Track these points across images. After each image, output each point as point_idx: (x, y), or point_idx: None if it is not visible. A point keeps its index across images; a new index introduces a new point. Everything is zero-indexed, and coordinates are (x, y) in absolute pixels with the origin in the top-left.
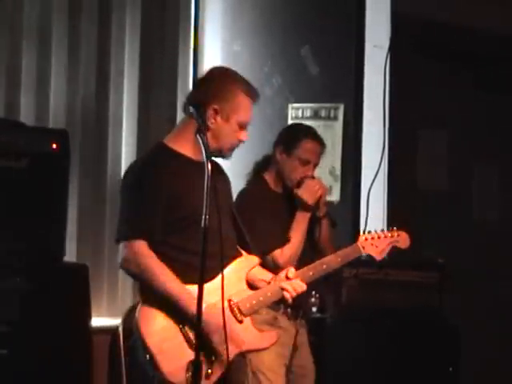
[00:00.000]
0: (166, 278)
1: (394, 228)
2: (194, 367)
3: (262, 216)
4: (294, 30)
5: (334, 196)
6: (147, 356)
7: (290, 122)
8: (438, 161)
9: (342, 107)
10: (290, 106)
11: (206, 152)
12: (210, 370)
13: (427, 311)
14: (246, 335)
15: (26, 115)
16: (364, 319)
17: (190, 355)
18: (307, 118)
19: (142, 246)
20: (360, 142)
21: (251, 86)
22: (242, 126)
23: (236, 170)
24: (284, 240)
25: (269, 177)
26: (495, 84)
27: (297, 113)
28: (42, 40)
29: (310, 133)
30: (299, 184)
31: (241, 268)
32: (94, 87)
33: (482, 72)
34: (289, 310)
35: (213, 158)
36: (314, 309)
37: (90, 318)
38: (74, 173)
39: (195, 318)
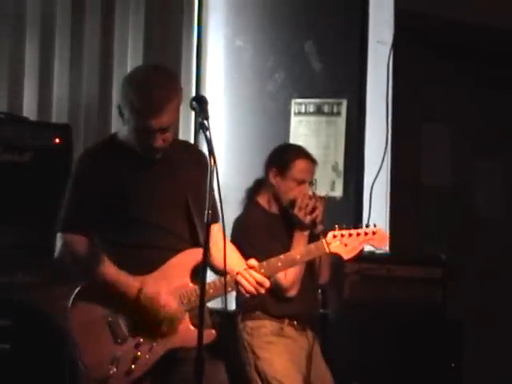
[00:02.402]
0: (101, 265)
1: (371, 225)
2: (198, 365)
3: (260, 241)
4: (297, 26)
5: (337, 192)
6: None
7: (292, 117)
8: (441, 156)
9: (345, 103)
10: (292, 101)
11: (209, 147)
12: (133, 366)
13: (429, 306)
14: (181, 332)
15: (29, 110)
16: (366, 314)
17: (113, 349)
18: (310, 114)
19: (74, 238)
20: (363, 138)
21: (143, 80)
22: (142, 132)
23: (239, 165)
24: None
25: (262, 200)
26: (499, 80)
27: (299, 108)
28: (45, 34)
29: (301, 152)
30: (293, 203)
31: (185, 262)
32: (96, 82)
33: (486, 68)
34: (294, 322)
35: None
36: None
37: None
38: None
39: (134, 302)
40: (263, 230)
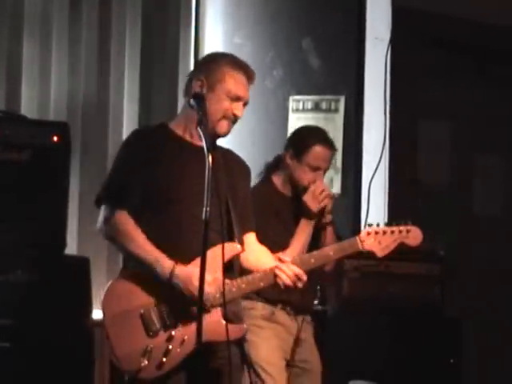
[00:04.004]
0: (139, 240)
1: (405, 222)
2: (197, 360)
3: (263, 218)
4: (295, 23)
5: (335, 188)
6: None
7: (290, 114)
8: (439, 153)
9: (342, 99)
10: (290, 98)
11: (206, 144)
12: (164, 359)
13: (428, 303)
14: (211, 326)
15: (27, 108)
16: (365, 311)
17: (145, 342)
18: (308, 111)
19: (118, 213)
20: (361, 135)
21: (242, 62)
22: (232, 97)
23: None
24: (285, 245)
25: (276, 179)
26: (497, 76)
27: (298, 105)
28: (43, 32)
29: (321, 138)
30: (305, 190)
31: (218, 256)
32: (94, 79)
33: (484, 64)
34: (288, 307)
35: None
36: (315, 301)
37: (91, 310)
38: (75, 165)
39: (171, 282)
40: (268, 207)
